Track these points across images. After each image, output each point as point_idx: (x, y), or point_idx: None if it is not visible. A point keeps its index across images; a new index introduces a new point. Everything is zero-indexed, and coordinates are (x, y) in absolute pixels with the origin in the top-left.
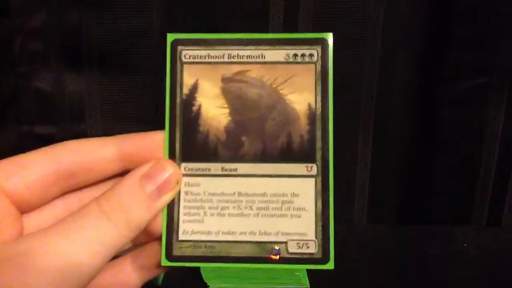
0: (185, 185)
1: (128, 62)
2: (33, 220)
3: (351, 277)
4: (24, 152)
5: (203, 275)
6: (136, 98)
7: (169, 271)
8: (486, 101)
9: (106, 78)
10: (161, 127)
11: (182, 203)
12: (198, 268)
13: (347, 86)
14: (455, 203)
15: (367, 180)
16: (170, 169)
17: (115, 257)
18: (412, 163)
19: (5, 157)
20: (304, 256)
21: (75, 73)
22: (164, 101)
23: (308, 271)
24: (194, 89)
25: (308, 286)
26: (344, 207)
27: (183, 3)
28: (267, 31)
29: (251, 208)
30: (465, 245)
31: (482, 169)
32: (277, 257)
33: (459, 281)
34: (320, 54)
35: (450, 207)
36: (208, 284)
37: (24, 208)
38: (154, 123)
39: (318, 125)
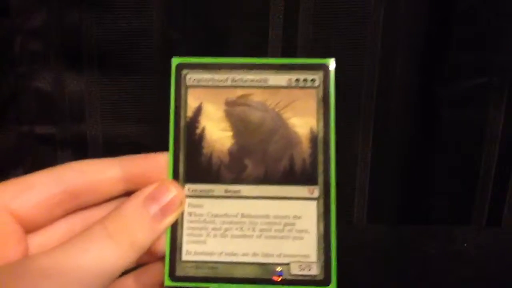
0: (188, 206)
1: (128, 62)
2: (38, 240)
3: (351, 277)
4: (24, 152)
5: None
6: (136, 98)
7: None
8: (486, 101)
9: (106, 78)
10: (160, 126)
11: (185, 224)
12: None
13: (347, 86)
14: (455, 203)
15: (367, 180)
16: (174, 191)
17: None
18: (412, 163)
19: (5, 157)
20: (306, 278)
21: (75, 73)
22: (168, 123)
23: None
24: (198, 112)
25: None
26: (344, 207)
27: (183, 3)
28: (267, 31)
29: (253, 229)
30: (465, 245)
31: (482, 169)
32: (280, 278)
33: (459, 281)
34: (322, 79)
35: (450, 207)
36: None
37: (29, 228)
38: (154, 123)
39: (320, 148)
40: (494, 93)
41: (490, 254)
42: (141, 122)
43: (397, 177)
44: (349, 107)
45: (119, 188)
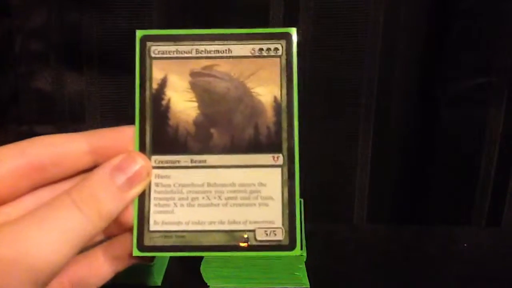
0: (155, 177)
1: (128, 62)
2: (4, 214)
3: (351, 277)
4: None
5: (203, 275)
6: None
7: (169, 271)
8: (486, 101)
9: (106, 78)
10: None
11: (152, 194)
12: (198, 268)
13: (347, 86)
14: (455, 203)
15: (367, 180)
16: (140, 162)
17: (87, 248)
18: (412, 163)
19: None
20: (272, 243)
21: (75, 73)
22: (134, 95)
23: (308, 271)
24: (163, 83)
25: (308, 286)
26: (344, 207)
27: (183, 3)
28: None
29: (220, 198)
30: (465, 245)
31: (482, 169)
32: (246, 244)
33: (459, 281)
34: (284, 48)
35: (450, 207)
36: (208, 284)
37: None
38: None
39: (284, 116)
40: (494, 93)
41: (490, 254)
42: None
43: (397, 177)
44: (349, 107)
45: (86, 161)
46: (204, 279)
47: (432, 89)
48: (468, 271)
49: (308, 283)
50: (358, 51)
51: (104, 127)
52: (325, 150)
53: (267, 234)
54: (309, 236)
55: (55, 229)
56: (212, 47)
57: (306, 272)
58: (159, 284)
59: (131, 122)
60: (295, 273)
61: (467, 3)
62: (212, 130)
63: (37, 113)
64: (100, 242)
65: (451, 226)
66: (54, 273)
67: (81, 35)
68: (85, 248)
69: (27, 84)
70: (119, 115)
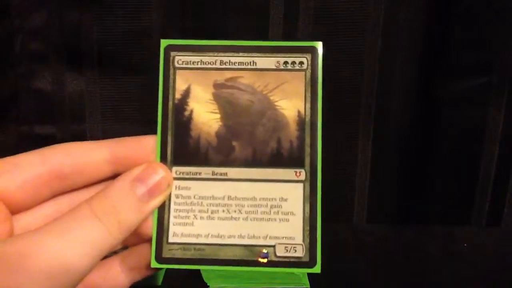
0: (176, 188)
1: (128, 62)
2: (24, 221)
3: (351, 277)
4: (23, 152)
5: (203, 275)
6: (136, 98)
7: (169, 271)
8: (486, 101)
9: (106, 78)
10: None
11: (172, 206)
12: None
13: (347, 86)
14: (455, 203)
15: (367, 180)
16: (161, 172)
17: (105, 257)
18: (412, 163)
19: (5, 157)
20: (292, 260)
21: (75, 73)
22: (157, 105)
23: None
24: (186, 94)
25: (308, 286)
26: (344, 207)
27: (183, 3)
28: (267, 32)
29: (240, 212)
30: (465, 245)
31: (482, 169)
32: (265, 260)
33: (459, 281)
34: (310, 62)
35: (450, 207)
36: (208, 284)
37: (15, 209)
38: (154, 123)
39: (307, 131)
40: (494, 93)
41: (490, 254)
42: (141, 122)
43: (397, 177)
44: (349, 107)
45: (106, 170)
46: (204, 279)
47: (432, 89)
48: (468, 271)
49: (308, 283)
50: (358, 51)
51: (104, 127)
52: (325, 150)
53: (287, 250)
54: None
55: (76, 239)
56: (237, 58)
57: (306, 272)
58: (159, 284)
59: (131, 122)
60: (295, 273)
61: (467, 3)
62: (234, 143)
63: (37, 113)
64: (117, 251)
65: (451, 226)
66: (74, 283)
67: (81, 35)
68: (103, 257)
69: (27, 84)
70: (119, 115)
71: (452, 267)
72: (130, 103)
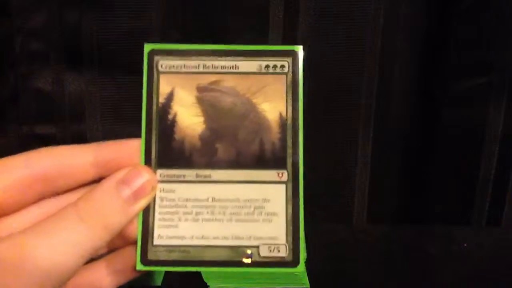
0: (160, 191)
1: (128, 62)
2: (9, 224)
3: (351, 277)
4: (23, 152)
5: (203, 276)
6: (136, 98)
7: (169, 271)
8: (486, 101)
9: (106, 78)
10: None
11: (157, 208)
12: None
13: (347, 86)
14: (455, 203)
15: (367, 180)
16: (146, 175)
17: (91, 260)
18: (412, 163)
19: (4, 157)
20: (276, 260)
21: (75, 73)
22: (141, 109)
23: (308, 271)
24: (170, 97)
25: (308, 286)
26: (344, 207)
27: (183, 3)
28: (267, 32)
29: (224, 213)
30: (465, 245)
31: (482, 169)
32: (249, 260)
33: (459, 281)
34: (291, 66)
35: (450, 207)
36: (208, 284)
37: (0, 212)
38: None
39: (289, 133)
40: (494, 93)
41: (490, 254)
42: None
43: (397, 177)
44: (349, 107)
45: (91, 173)
46: (204, 279)
47: (432, 89)
48: (468, 271)
49: (308, 283)
50: (358, 51)
51: (104, 127)
52: (325, 150)
53: (270, 250)
54: (309, 236)
55: (61, 241)
56: (219, 62)
57: (306, 272)
58: (159, 284)
59: (131, 122)
60: (295, 273)
61: (467, 3)
62: (218, 145)
63: (37, 113)
64: (103, 254)
65: (451, 226)
66: (60, 284)
67: (81, 35)
68: (88, 260)
69: (27, 84)
70: (119, 115)
71: (452, 267)
72: (130, 103)
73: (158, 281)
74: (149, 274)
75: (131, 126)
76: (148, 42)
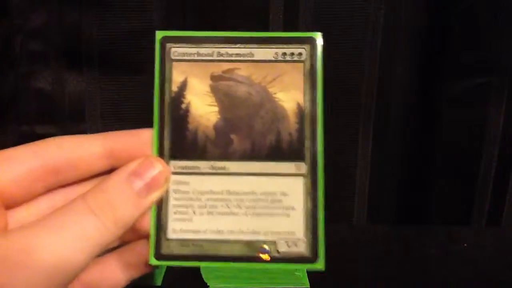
0: (173, 183)
1: (128, 62)
2: (18, 216)
3: (351, 277)
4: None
5: (203, 275)
6: (136, 98)
7: (169, 271)
8: (486, 101)
9: (106, 78)
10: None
11: (170, 201)
12: (198, 268)
13: (347, 86)
14: (455, 203)
15: (367, 180)
16: (159, 167)
17: (102, 254)
18: (412, 163)
19: None
20: (293, 255)
21: (75, 73)
22: (153, 98)
23: (308, 271)
24: (183, 86)
25: (308, 286)
26: (344, 207)
27: (183, 3)
28: (267, 32)
29: (240, 206)
30: (465, 245)
31: (482, 169)
32: (266, 256)
33: (459, 281)
34: (308, 53)
35: (450, 207)
36: (208, 284)
37: (9, 203)
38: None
39: (307, 123)
40: (494, 93)
41: (490, 254)
42: (141, 122)
43: (397, 177)
44: (349, 107)
45: (102, 164)
46: (204, 279)
47: (432, 89)
48: (468, 271)
49: (308, 283)
50: (358, 51)
51: (104, 127)
52: (325, 150)
53: (288, 246)
54: None
55: (71, 235)
56: (234, 50)
57: (306, 272)
58: (159, 284)
59: (131, 122)
60: (295, 273)
61: (467, 3)
62: (233, 136)
63: (37, 113)
64: (115, 247)
65: (451, 226)
66: (69, 279)
67: (81, 35)
68: (99, 254)
69: (27, 84)
70: (119, 115)
71: (452, 267)
72: (130, 103)
73: (158, 281)
74: (149, 273)
75: (131, 126)
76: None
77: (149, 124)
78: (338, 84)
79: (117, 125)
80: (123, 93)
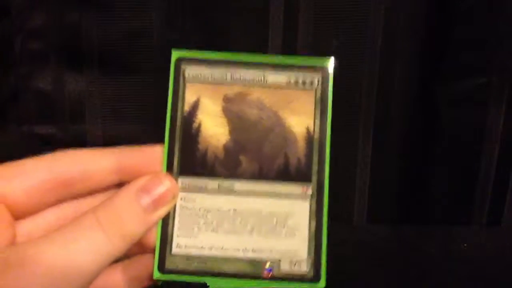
0: (181, 199)
1: (128, 62)
2: (26, 227)
3: (351, 277)
4: (23, 151)
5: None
6: (136, 98)
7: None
8: (486, 101)
9: (106, 78)
10: (160, 126)
11: (177, 217)
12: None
13: (347, 86)
14: (455, 203)
15: (367, 180)
16: (167, 183)
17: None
18: (412, 163)
19: (5, 157)
20: (296, 275)
21: (75, 73)
22: (165, 116)
23: None
24: (195, 106)
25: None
26: (344, 207)
27: (182, 3)
28: (267, 32)
29: (245, 225)
30: (465, 245)
31: (482, 169)
32: (269, 274)
33: (459, 281)
34: (320, 81)
35: (450, 207)
36: (208, 284)
37: (18, 214)
38: (154, 123)
39: (315, 148)
40: (494, 93)
41: (490, 254)
42: (141, 122)
43: (397, 177)
44: (349, 107)
45: (112, 178)
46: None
47: (432, 89)
48: (468, 271)
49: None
50: (358, 51)
51: (104, 127)
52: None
53: (291, 265)
54: None
55: (79, 249)
56: (248, 74)
57: None
58: (159, 284)
59: (131, 122)
60: None
61: (467, 3)
62: (241, 157)
63: (37, 113)
64: (119, 259)
65: (451, 226)
66: None
67: (81, 35)
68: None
69: (27, 84)
70: (119, 115)
71: (452, 267)
72: (130, 103)
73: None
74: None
75: (131, 126)
76: (176, 48)
77: (149, 124)
78: (338, 84)
79: (117, 125)
80: (123, 93)
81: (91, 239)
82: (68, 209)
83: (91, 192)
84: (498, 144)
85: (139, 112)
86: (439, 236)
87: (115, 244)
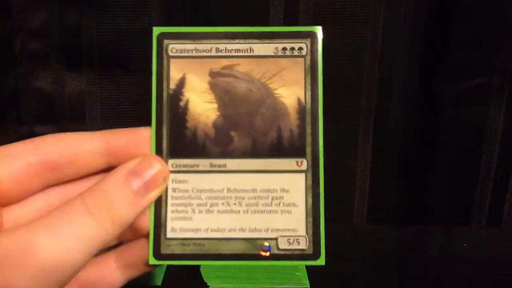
0: (172, 181)
1: (128, 62)
2: (14, 214)
3: (351, 277)
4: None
5: (203, 275)
6: (136, 98)
7: (169, 271)
8: (486, 101)
9: (106, 78)
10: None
11: (169, 200)
12: (198, 267)
13: (347, 86)
14: (455, 203)
15: (367, 180)
16: (157, 166)
17: (99, 252)
18: (412, 163)
19: None
20: (295, 252)
21: (75, 73)
22: (151, 95)
23: (308, 271)
24: (181, 83)
25: (308, 286)
26: (344, 207)
27: (183, 3)
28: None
29: (240, 204)
30: (465, 245)
31: (482, 169)
32: (268, 253)
33: (459, 281)
34: (309, 48)
35: (450, 207)
36: (208, 284)
37: (5, 200)
38: None
39: (308, 119)
40: (494, 93)
41: (490, 254)
42: (141, 122)
43: (397, 177)
44: (349, 108)
45: (100, 162)
46: (204, 279)
47: (432, 89)
48: (468, 271)
49: (308, 283)
50: (358, 51)
51: (104, 127)
52: (325, 150)
53: (290, 243)
54: None
55: (68, 235)
56: (233, 45)
57: (306, 272)
58: (159, 284)
59: (131, 122)
60: (295, 273)
61: (467, 3)
62: (232, 133)
63: (37, 113)
64: (113, 246)
65: (451, 226)
66: (66, 279)
67: (81, 35)
68: (97, 253)
69: (27, 84)
70: (119, 115)
71: (452, 267)
72: (130, 103)
73: (158, 281)
74: (149, 273)
75: (131, 126)
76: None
77: (149, 124)
78: (338, 83)
79: (117, 125)
80: (123, 93)
81: (79, 225)
82: (57, 194)
83: (79, 177)
84: (498, 144)
85: (139, 112)
86: (439, 236)
87: (105, 229)
